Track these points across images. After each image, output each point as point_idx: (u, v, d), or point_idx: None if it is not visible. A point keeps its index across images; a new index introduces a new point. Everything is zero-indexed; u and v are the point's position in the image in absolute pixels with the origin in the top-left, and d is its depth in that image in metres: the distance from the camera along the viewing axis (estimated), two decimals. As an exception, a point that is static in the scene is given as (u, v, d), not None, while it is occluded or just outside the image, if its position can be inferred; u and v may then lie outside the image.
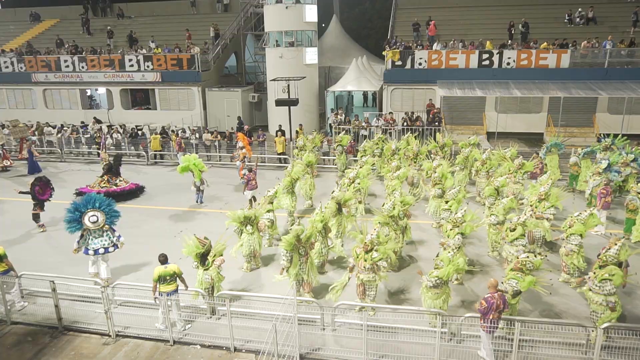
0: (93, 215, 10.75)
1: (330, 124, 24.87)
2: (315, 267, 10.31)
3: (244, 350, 8.72)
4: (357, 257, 9.27)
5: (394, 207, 11.37)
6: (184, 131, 23.32)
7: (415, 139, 19.32)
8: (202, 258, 9.50)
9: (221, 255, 9.70)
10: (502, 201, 12.08)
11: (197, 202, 16.47)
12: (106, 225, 10.89)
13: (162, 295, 8.92)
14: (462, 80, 23.27)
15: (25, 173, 20.56)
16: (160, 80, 27.57)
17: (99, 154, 22.63)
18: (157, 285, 9.01)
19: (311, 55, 26.23)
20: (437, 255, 9.37)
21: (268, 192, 12.94)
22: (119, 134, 23.86)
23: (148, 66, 27.57)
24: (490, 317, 7.77)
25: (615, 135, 17.66)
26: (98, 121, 26.53)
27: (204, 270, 9.43)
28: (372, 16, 45.61)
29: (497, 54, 23.41)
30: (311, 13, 25.63)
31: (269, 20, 25.80)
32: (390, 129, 22.58)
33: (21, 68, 29.42)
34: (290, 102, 21.75)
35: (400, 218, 11.50)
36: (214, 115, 27.77)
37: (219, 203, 16.54)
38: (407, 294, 10.35)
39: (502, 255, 11.36)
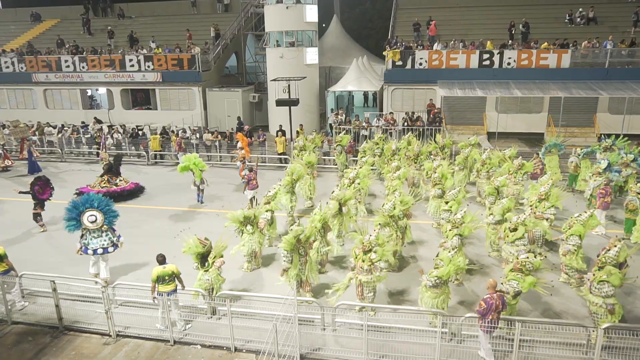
0: (91, 215, 10.77)
1: (330, 124, 24.87)
2: (315, 266, 10.31)
3: (244, 350, 8.72)
4: (356, 258, 9.28)
5: (394, 207, 11.37)
6: (184, 131, 23.33)
7: (416, 139, 19.31)
8: (202, 259, 9.50)
9: (221, 256, 9.69)
10: (502, 201, 12.08)
11: (198, 201, 16.48)
12: (105, 226, 10.90)
13: (162, 296, 8.92)
14: (463, 81, 23.26)
15: (25, 173, 20.58)
16: (160, 80, 27.57)
17: (98, 154, 22.67)
18: (156, 286, 9.02)
19: (312, 55, 26.23)
20: (437, 255, 9.38)
21: (268, 192, 12.96)
22: (119, 134, 23.88)
23: (149, 66, 27.59)
24: (490, 318, 7.77)
25: (617, 136, 17.65)
26: (99, 121, 26.55)
27: (204, 271, 9.43)
28: (373, 16, 45.60)
29: (497, 54, 23.40)
30: (312, 13, 25.62)
31: (270, 21, 25.80)
32: (390, 129, 22.58)
33: (22, 68, 29.43)
34: (290, 102, 21.76)
35: (399, 218, 11.50)
36: (214, 116, 27.77)
37: (219, 203, 16.55)
38: (407, 294, 10.35)
39: (501, 255, 11.36)
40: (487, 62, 23.55)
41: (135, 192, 17.61)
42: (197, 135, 23.36)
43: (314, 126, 25.97)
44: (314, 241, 10.42)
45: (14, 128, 22.88)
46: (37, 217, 14.21)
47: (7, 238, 13.44)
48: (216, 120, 27.55)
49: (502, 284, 8.68)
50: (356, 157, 19.09)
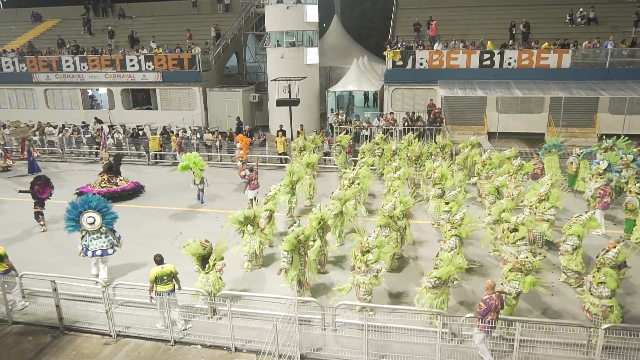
0: (90, 217, 10.79)
1: (330, 124, 24.88)
2: (314, 266, 10.32)
3: (244, 351, 8.72)
4: (355, 258, 9.29)
5: (394, 208, 11.36)
6: (184, 131, 23.33)
7: (416, 139, 19.27)
8: (203, 261, 9.49)
9: (222, 259, 9.66)
10: (501, 201, 12.08)
11: (198, 200, 16.49)
12: (104, 228, 10.90)
13: (162, 295, 8.92)
14: (463, 81, 23.26)
15: (25, 173, 20.59)
16: (161, 80, 27.58)
17: (97, 154, 22.67)
18: (154, 286, 9.02)
19: (312, 55, 26.22)
20: (437, 255, 9.38)
21: (269, 192, 12.94)
22: (119, 134, 23.89)
23: (149, 66, 27.59)
24: (489, 318, 7.76)
25: (618, 136, 17.62)
26: (99, 121, 26.56)
27: (205, 273, 9.42)
28: (373, 16, 45.59)
29: (498, 54, 23.39)
30: (312, 13, 25.62)
31: (270, 21, 25.80)
32: (391, 129, 22.57)
33: (22, 68, 29.45)
34: (291, 102, 21.75)
35: (399, 218, 11.49)
36: (215, 116, 27.77)
37: (220, 203, 16.55)
38: (407, 294, 10.34)
39: (501, 256, 11.34)
40: (488, 62, 23.55)
41: (135, 191, 17.62)
42: (198, 135, 23.36)
43: (315, 126, 25.97)
44: (313, 241, 10.42)
45: (15, 129, 22.89)
46: (38, 216, 14.23)
47: (7, 238, 13.45)
48: (217, 120, 27.56)
49: (502, 284, 8.68)
50: (356, 157, 19.07)
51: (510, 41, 24.74)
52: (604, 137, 18.51)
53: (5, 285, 9.75)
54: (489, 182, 14.40)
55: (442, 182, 13.82)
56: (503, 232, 10.88)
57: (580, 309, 9.08)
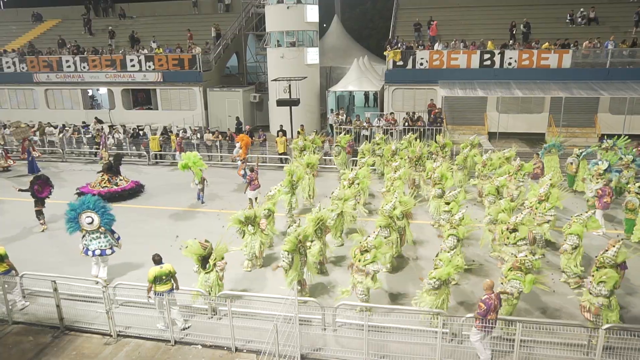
0: (88, 217, 10.84)
1: (330, 124, 24.88)
2: (313, 266, 10.32)
3: (245, 350, 8.72)
4: (354, 257, 9.30)
5: (394, 208, 11.36)
6: (185, 131, 23.34)
7: (417, 139, 19.26)
8: (203, 261, 9.50)
9: (222, 258, 9.65)
10: (501, 202, 12.07)
11: (198, 199, 16.49)
12: (102, 227, 10.92)
13: (162, 295, 8.92)
14: (464, 81, 23.26)
15: (25, 173, 20.59)
16: (161, 80, 27.59)
17: (96, 154, 22.68)
18: (153, 286, 9.02)
19: (312, 55, 26.22)
20: (437, 255, 9.38)
21: (269, 192, 12.94)
22: (120, 134, 23.89)
23: (149, 66, 27.61)
24: (489, 318, 7.76)
25: (618, 136, 17.61)
26: (99, 121, 26.55)
27: (206, 273, 9.42)
28: (374, 16, 45.57)
29: (498, 54, 23.39)
30: (312, 13, 25.63)
31: (270, 21, 25.80)
32: (391, 129, 22.57)
33: (23, 68, 29.46)
34: (291, 102, 21.76)
35: (399, 218, 11.49)
36: (215, 115, 27.78)
37: (220, 203, 16.55)
38: (407, 295, 10.33)
39: (501, 256, 11.33)
40: (488, 62, 23.54)
41: (136, 190, 17.61)
42: (198, 135, 23.36)
43: (315, 126, 25.98)
44: (311, 242, 10.42)
45: (16, 129, 22.90)
46: (39, 214, 14.23)
47: (7, 238, 13.45)
48: (217, 120, 27.56)
49: (502, 284, 8.68)
50: (356, 157, 19.07)
51: (511, 41, 24.74)
52: (604, 137, 18.47)
53: (6, 285, 9.75)
54: (489, 182, 14.39)
55: (442, 182, 13.82)
56: (502, 233, 10.86)
57: (579, 309, 9.07)
